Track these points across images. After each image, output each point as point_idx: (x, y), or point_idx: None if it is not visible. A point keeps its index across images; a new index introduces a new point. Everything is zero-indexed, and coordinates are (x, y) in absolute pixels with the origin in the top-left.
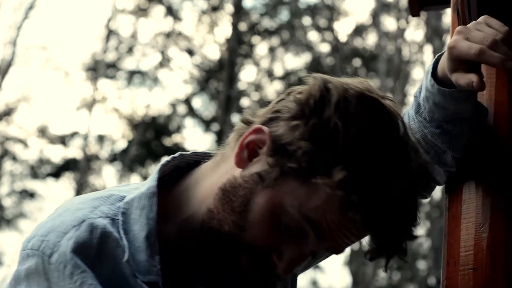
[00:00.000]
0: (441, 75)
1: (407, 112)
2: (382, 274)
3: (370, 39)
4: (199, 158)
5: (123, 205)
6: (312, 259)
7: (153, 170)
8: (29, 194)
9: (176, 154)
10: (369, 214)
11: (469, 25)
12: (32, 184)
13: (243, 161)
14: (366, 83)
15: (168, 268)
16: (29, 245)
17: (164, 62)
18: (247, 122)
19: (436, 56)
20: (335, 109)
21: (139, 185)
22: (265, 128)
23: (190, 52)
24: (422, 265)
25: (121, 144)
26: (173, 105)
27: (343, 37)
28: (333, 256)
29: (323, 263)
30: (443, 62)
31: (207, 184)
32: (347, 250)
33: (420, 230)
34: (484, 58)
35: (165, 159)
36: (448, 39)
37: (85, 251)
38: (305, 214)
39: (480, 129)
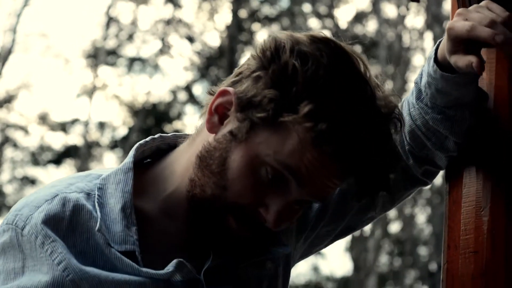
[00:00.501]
0: (441, 59)
1: (407, 99)
2: (383, 260)
3: (371, 26)
4: (180, 140)
5: (100, 181)
6: (304, 220)
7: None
8: (30, 181)
9: (156, 136)
10: (341, 143)
11: (470, 7)
12: (33, 171)
13: (214, 126)
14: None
15: (146, 244)
16: (4, 221)
17: (165, 49)
18: (213, 93)
19: (438, 41)
20: (290, 53)
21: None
22: (229, 89)
23: (191, 39)
24: (423, 251)
25: (122, 131)
26: (174, 92)
27: (343, 24)
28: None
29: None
30: (443, 46)
31: (186, 159)
32: (348, 237)
33: (421, 216)
34: (475, 34)
35: (144, 139)
36: None
37: (56, 223)
38: (281, 161)
39: (481, 114)
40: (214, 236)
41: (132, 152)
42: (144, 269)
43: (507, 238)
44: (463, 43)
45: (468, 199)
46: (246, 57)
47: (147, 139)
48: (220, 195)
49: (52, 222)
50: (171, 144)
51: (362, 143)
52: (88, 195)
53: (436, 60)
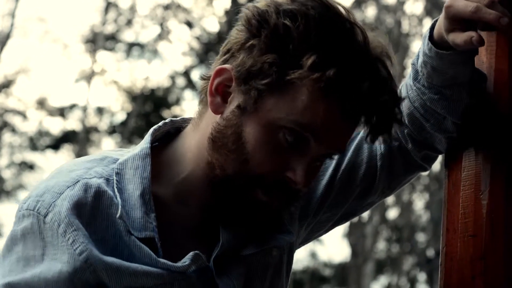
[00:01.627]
0: (437, 38)
1: (405, 83)
2: (381, 246)
3: (370, 12)
4: (185, 124)
5: (117, 165)
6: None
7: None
8: (28, 166)
9: (167, 120)
10: (350, 86)
11: None
12: (31, 156)
13: (219, 106)
14: None
15: (162, 230)
16: (24, 206)
17: (163, 34)
18: (207, 77)
19: (433, 21)
20: (276, 15)
21: (131, 149)
22: (225, 66)
23: (189, 25)
24: (421, 237)
25: (120, 116)
26: (172, 78)
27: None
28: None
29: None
30: (440, 24)
31: (194, 143)
32: (346, 223)
33: (419, 202)
34: (480, 15)
35: (157, 124)
36: None
37: (80, 210)
38: (296, 120)
39: (479, 94)
40: (242, 215)
41: (148, 137)
42: (162, 261)
43: (506, 222)
44: (462, 21)
45: (467, 183)
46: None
47: (160, 123)
48: (243, 170)
49: (76, 209)
50: (179, 128)
51: (369, 81)
52: (108, 180)
53: (431, 39)
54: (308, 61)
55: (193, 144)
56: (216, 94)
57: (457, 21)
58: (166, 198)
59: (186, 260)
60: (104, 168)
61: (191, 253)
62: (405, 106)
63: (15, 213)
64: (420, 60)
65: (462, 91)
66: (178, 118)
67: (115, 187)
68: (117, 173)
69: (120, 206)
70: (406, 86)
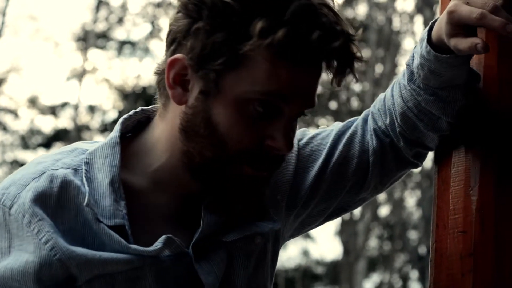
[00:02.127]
0: (436, 41)
1: (397, 82)
2: (372, 244)
3: (361, 10)
4: (155, 113)
5: (86, 155)
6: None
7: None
8: (20, 165)
9: (138, 109)
10: (303, 39)
11: None
12: (23, 155)
13: (181, 96)
14: None
15: (134, 218)
16: None
17: (155, 32)
18: (161, 71)
19: (430, 23)
20: None
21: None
22: (176, 56)
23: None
24: (413, 235)
25: (112, 115)
26: (157, 73)
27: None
28: (324, 226)
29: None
30: (439, 28)
31: (164, 134)
32: (338, 221)
33: (411, 200)
34: (486, 22)
35: (128, 113)
36: (438, 9)
37: (45, 200)
38: (261, 91)
39: (473, 94)
40: (233, 194)
41: (117, 127)
42: (133, 246)
43: (495, 218)
44: (464, 27)
45: (457, 179)
46: None
47: (130, 113)
48: (223, 151)
49: (40, 200)
50: (151, 117)
51: (319, 30)
52: (76, 170)
53: (429, 41)
54: (255, 29)
55: (163, 135)
56: (175, 86)
57: (459, 27)
58: (140, 187)
59: (158, 244)
60: (73, 158)
61: (162, 237)
62: (397, 105)
63: None
64: (416, 62)
65: (457, 93)
66: (149, 107)
67: (83, 176)
68: (86, 163)
69: (87, 194)
70: (399, 85)
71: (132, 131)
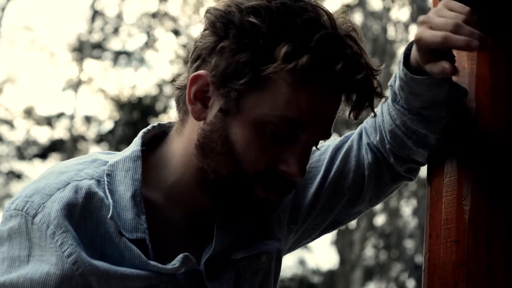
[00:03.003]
0: (414, 64)
1: (386, 101)
2: (369, 253)
3: (356, 19)
4: (171, 128)
5: (107, 167)
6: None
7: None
8: (16, 175)
9: (155, 124)
10: (326, 68)
11: (430, 12)
12: (19, 165)
13: (201, 113)
14: None
15: (152, 232)
16: (12, 206)
17: (150, 42)
18: (182, 87)
19: (407, 45)
20: (239, 13)
21: (121, 152)
22: (200, 72)
23: (176, 33)
24: (409, 244)
25: (108, 125)
26: (160, 86)
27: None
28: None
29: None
30: (414, 54)
31: (180, 149)
32: (334, 231)
33: (407, 209)
34: (450, 44)
35: (146, 127)
36: None
37: (70, 211)
38: (280, 115)
39: (459, 109)
40: (242, 213)
41: (138, 140)
42: (152, 263)
43: (488, 228)
44: (434, 52)
45: (450, 189)
46: None
47: (149, 127)
48: (238, 171)
49: (66, 211)
50: (165, 132)
51: (342, 60)
52: (98, 181)
53: (407, 64)
54: (280, 53)
55: (179, 150)
56: (196, 101)
57: (429, 53)
58: (156, 201)
59: (176, 262)
60: (95, 169)
61: (181, 255)
62: (386, 122)
63: (3, 213)
64: (397, 84)
65: (441, 110)
66: (165, 122)
67: (106, 188)
68: (108, 175)
69: (111, 207)
70: (387, 104)
71: (148, 145)
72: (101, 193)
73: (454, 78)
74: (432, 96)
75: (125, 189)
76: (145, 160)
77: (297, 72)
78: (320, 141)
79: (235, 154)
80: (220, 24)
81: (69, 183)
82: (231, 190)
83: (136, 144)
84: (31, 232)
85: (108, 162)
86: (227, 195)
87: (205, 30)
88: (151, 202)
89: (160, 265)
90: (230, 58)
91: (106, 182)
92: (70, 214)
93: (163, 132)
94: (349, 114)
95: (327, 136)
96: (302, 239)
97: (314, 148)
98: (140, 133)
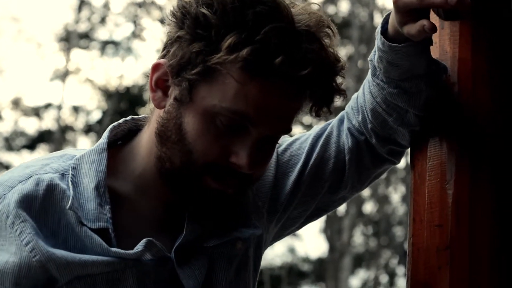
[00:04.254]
0: (392, 32)
1: (366, 79)
2: (358, 241)
3: (343, 6)
4: (145, 121)
5: (74, 161)
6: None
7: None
8: (4, 167)
9: (128, 118)
10: (271, 60)
11: None
12: (7, 157)
13: (161, 101)
14: None
15: (120, 223)
16: None
17: (137, 32)
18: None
19: (385, 15)
20: (196, 4)
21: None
22: (160, 61)
23: (163, 22)
24: (398, 231)
25: (96, 115)
26: (147, 75)
27: (315, 5)
28: (309, 224)
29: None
30: (392, 18)
31: (146, 139)
32: (323, 218)
33: (395, 195)
34: (427, 1)
35: (117, 121)
36: None
37: (29, 203)
38: (228, 108)
39: (439, 85)
40: (198, 204)
41: (106, 133)
42: (114, 249)
43: (471, 211)
44: (413, 12)
45: (433, 173)
46: None
47: (120, 121)
48: (189, 160)
49: (25, 202)
50: (141, 126)
51: (285, 55)
52: (63, 175)
53: (384, 33)
54: (225, 44)
55: (145, 139)
56: (157, 89)
57: (407, 13)
58: (126, 192)
59: (138, 247)
60: (61, 164)
61: (143, 240)
62: (367, 101)
63: None
64: (376, 56)
65: (420, 83)
66: (140, 116)
67: (69, 181)
68: (73, 168)
69: (71, 198)
70: (368, 82)
71: (122, 139)
72: (63, 185)
73: (434, 56)
74: (410, 66)
75: (89, 180)
76: (117, 153)
77: (242, 64)
78: (283, 136)
79: (186, 143)
80: (179, 15)
81: (31, 176)
82: (183, 180)
83: (103, 137)
84: None
85: (76, 156)
86: (180, 184)
87: (169, 20)
88: (120, 193)
89: (121, 251)
90: (185, 48)
91: (70, 175)
92: (29, 206)
93: (137, 126)
94: (310, 111)
95: (284, 131)
96: (287, 227)
97: (280, 143)
98: (110, 127)
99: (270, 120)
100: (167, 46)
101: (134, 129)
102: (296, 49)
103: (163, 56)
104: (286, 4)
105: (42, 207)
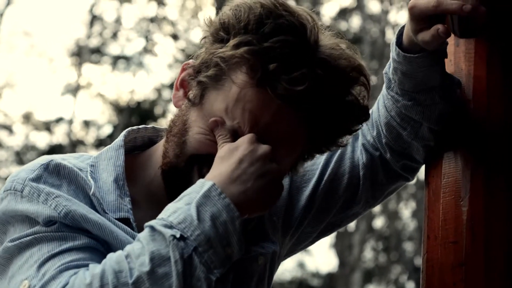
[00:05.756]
0: (406, 43)
1: (381, 94)
2: (368, 256)
3: (355, 22)
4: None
5: (92, 159)
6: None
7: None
8: None
9: (149, 126)
10: (268, 61)
11: None
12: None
13: (179, 100)
14: None
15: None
16: (1, 191)
17: (149, 47)
18: None
19: (400, 27)
20: (229, 9)
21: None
22: (188, 61)
23: (175, 37)
24: (408, 246)
25: (107, 130)
26: (158, 90)
27: (327, 20)
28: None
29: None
30: (407, 28)
31: (161, 147)
32: (333, 233)
33: (406, 211)
34: (444, 8)
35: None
36: None
37: (55, 181)
38: (230, 117)
39: (453, 99)
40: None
41: (122, 133)
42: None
43: (486, 228)
44: (427, 20)
45: (448, 190)
46: None
47: (140, 126)
48: (181, 151)
49: (51, 180)
50: (160, 137)
51: (295, 68)
52: (81, 170)
53: (399, 45)
54: (232, 42)
55: (160, 149)
56: (180, 88)
57: (422, 20)
58: (138, 198)
59: None
60: (79, 162)
61: None
62: (382, 116)
63: None
64: (391, 68)
65: (434, 96)
66: (162, 127)
67: (88, 175)
68: (91, 165)
69: (93, 186)
70: (382, 97)
71: (141, 147)
72: (83, 175)
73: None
74: (424, 78)
75: (107, 175)
76: (134, 161)
77: (242, 67)
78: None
79: (184, 135)
80: (207, 20)
81: (52, 160)
82: (175, 174)
83: (120, 136)
84: (22, 204)
85: (93, 156)
86: (173, 180)
87: (204, 25)
88: (134, 199)
89: None
90: (207, 49)
91: (89, 171)
92: (57, 184)
93: (158, 136)
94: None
95: (281, 153)
96: (301, 242)
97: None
98: (127, 129)
99: (266, 131)
100: (198, 50)
101: (154, 140)
102: (299, 67)
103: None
104: (316, 26)
105: (70, 186)
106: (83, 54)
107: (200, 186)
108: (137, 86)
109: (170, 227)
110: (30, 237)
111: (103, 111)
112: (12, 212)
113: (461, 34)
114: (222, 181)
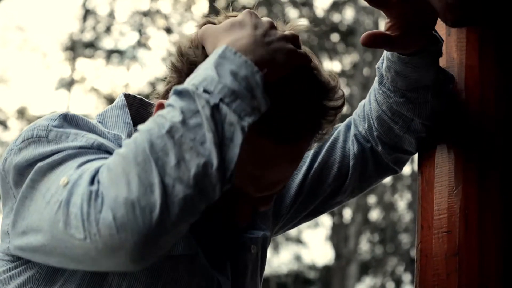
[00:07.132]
0: None
1: (372, 87)
2: (364, 248)
3: (348, 14)
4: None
5: (97, 117)
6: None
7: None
8: None
9: (138, 96)
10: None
11: None
12: None
13: None
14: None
15: None
16: (18, 141)
17: (142, 40)
18: (158, 97)
19: None
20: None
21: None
22: (161, 101)
23: (168, 30)
24: (404, 238)
25: None
26: (152, 84)
27: (320, 12)
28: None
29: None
30: None
31: None
32: (329, 226)
33: (401, 203)
34: None
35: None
36: None
37: (78, 122)
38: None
39: (446, 95)
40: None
41: (120, 95)
42: None
43: (479, 218)
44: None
45: (441, 179)
46: None
47: (130, 95)
48: None
49: (74, 122)
50: (149, 114)
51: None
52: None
53: None
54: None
55: None
56: None
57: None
58: None
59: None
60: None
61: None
62: (373, 109)
63: (4, 157)
64: (384, 64)
65: (427, 94)
66: (151, 102)
67: (103, 129)
68: (99, 122)
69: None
70: (374, 89)
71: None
72: (100, 127)
73: (442, 65)
74: (418, 77)
75: (119, 131)
76: None
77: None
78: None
79: None
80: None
81: (68, 112)
82: None
83: (119, 97)
84: (49, 146)
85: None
86: None
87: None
88: None
89: None
90: (166, 84)
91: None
92: (81, 124)
93: (147, 113)
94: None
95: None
96: (282, 227)
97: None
98: (123, 93)
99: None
100: (167, 84)
101: (143, 114)
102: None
103: (164, 95)
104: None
105: (92, 127)
106: (76, 48)
107: (214, 53)
108: (131, 80)
109: (194, 87)
110: (64, 153)
111: (97, 105)
112: (38, 155)
113: (452, 23)
114: (234, 45)
